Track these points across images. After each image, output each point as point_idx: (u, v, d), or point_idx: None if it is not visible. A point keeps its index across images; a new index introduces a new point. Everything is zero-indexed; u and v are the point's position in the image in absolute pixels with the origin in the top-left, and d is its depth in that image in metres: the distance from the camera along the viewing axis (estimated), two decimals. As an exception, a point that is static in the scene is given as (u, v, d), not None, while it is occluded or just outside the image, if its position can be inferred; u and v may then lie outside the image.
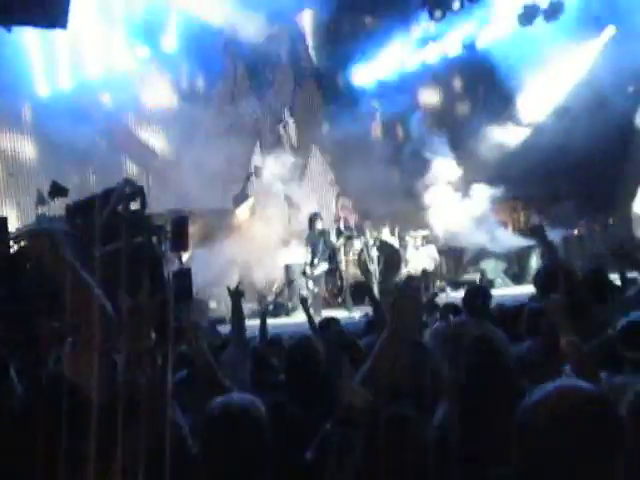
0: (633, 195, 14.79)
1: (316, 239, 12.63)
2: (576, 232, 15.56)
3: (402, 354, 2.18)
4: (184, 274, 9.52)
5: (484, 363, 2.69)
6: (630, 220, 15.31)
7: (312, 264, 12.61)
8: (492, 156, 16.28)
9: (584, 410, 1.54)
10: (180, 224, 10.15)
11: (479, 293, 5.15)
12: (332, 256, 12.76)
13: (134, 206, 9.12)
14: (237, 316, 4.38)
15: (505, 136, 16.70)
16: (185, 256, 11.32)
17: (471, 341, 2.82)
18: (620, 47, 15.34)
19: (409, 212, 16.20)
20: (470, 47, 16.89)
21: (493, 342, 2.95)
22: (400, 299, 2.20)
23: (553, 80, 16.49)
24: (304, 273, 12.72)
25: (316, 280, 12.67)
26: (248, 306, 13.81)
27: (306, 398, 3.14)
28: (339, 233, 13.38)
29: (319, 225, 12.73)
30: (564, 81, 16.51)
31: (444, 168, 15.88)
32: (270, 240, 14.50)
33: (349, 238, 13.55)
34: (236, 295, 4.50)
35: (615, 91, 15.24)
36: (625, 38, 15.37)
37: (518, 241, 15.24)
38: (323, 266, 12.74)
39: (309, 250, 12.73)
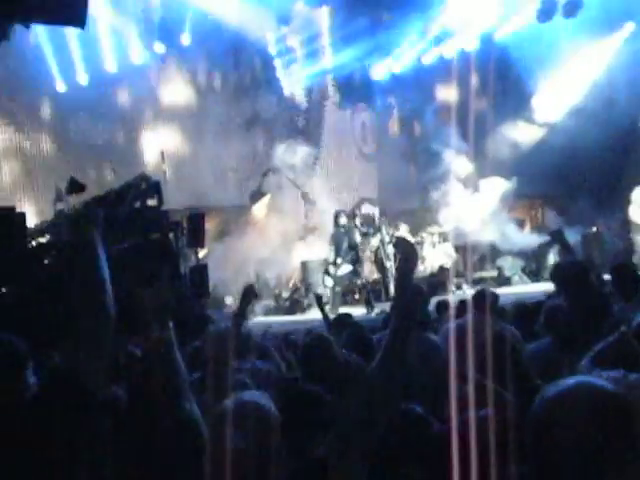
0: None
1: (341, 237, 12.46)
2: (594, 229, 15.45)
3: (409, 345, 2.16)
4: (200, 270, 9.59)
5: (498, 361, 2.68)
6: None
7: (335, 263, 12.40)
8: (508, 153, 16.17)
9: (602, 407, 1.53)
10: (196, 220, 10.22)
11: (486, 293, 5.17)
12: (355, 256, 12.47)
13: (151, 202, 9.20)
14: None
15: (521, 134, 16.58)
16: (202, 252, 11.35)
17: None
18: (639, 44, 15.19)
19: (425, 209, 16.16)
20: (488, 42, 16.78)
21: (507, 340, 2.95)
22: (400, 285, 2.21)
23: (570, 79, 16.32)
24: (327, 272, 12.55)
25: (338, 280, 12.49)
26: (264, 303, 13.90)
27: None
28: (359, 231, 13.22)
29: (343, 221, 12.55)
30: (581, 80, 16.35)
31: (459, 165, 15.79)
32: (286, 237, 14.51)
33: (365, 235, 13.51)
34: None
35: (632, 90, 15.07)
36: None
37: (535, 239, 15.17)
38: (347, 267, 12.49)
39: (332, 249, 12.49)
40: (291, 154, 15.09)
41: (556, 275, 4.78)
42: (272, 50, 16.20)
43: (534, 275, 14.98)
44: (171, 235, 8.85)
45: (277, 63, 16.36)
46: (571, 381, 1.61)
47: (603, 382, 1.61)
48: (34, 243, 7.30)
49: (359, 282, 12.77)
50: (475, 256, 15.50)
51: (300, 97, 16.86)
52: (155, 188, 8.67)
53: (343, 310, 11.76)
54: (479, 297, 5.08)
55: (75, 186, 8.61)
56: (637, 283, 5.12)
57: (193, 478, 2.00)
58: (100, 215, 2.21)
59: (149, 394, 1.92)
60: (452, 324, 4.91)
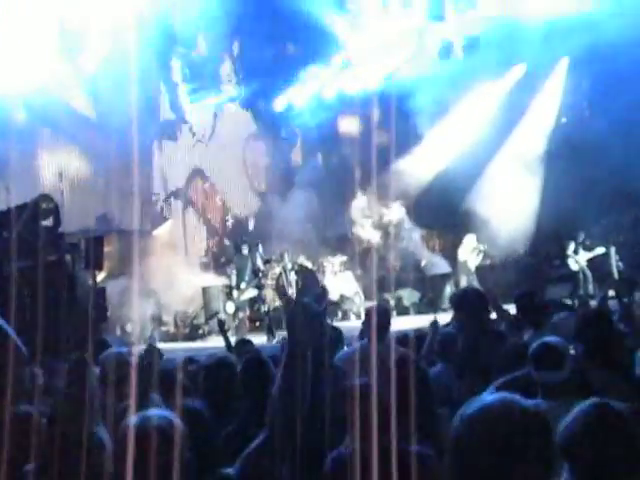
0: None
1: (244, 262, 12.45)
2: (489, 262, 15.97)
3: (304, 371, 2.18)
4: (99, 294, 9.31)
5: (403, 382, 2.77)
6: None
7: (239, 287, 12.37)
8: (404, 189, 16.56)
9: (524, 421, 1.55)
10: (95, 243, 9.94)
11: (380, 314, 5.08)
12: (259, 282, 12.43)
13: (48, 223, 8.90)
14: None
15: (415, 171, 16.89)
16: (99, 276, 11.05)
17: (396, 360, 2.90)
18: (528, 86, 15.97)
19: (327, 238, 16.31)
20: (389, 80, 17.19)
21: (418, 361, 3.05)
22: (291, 313, 2.24)
23: (464, 121, 16.67)
24: (229, 297, 12.48)
25: (241, 305, 12.44)
26: (164, 329, 13.62)
27: (224, 414, 3.16)
28: (261, 257, 13.21)
29: (245, 249, 12.56)
30: (476, 119, 16.73)
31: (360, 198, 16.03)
32: (187, 263, 14.32)
33: (268, 262, 13.50)
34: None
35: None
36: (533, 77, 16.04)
37: (433, 269, 15.65)
38: (252, 292, 12.50)
39: (234, 273, 12.49)
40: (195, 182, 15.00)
41: (452, 302, 4.99)
42: (177, 76, 16.08)
43: (431, 305, 15.34)
44: (68, 257, 8.59)
45: (182, 89, 16.24)
46: (494, 397, 1.62)
47: (525, 400, 1.61)
48: None
49: (263, 309, 12.73)
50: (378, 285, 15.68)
51: (204, 124, 16.79)
52: (54, 209, 8.42)
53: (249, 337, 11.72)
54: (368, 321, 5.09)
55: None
56: (542, 310, 5.30)
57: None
58: None
59: (67, 414, 1.88)
60: (347, 350, 5.00)
